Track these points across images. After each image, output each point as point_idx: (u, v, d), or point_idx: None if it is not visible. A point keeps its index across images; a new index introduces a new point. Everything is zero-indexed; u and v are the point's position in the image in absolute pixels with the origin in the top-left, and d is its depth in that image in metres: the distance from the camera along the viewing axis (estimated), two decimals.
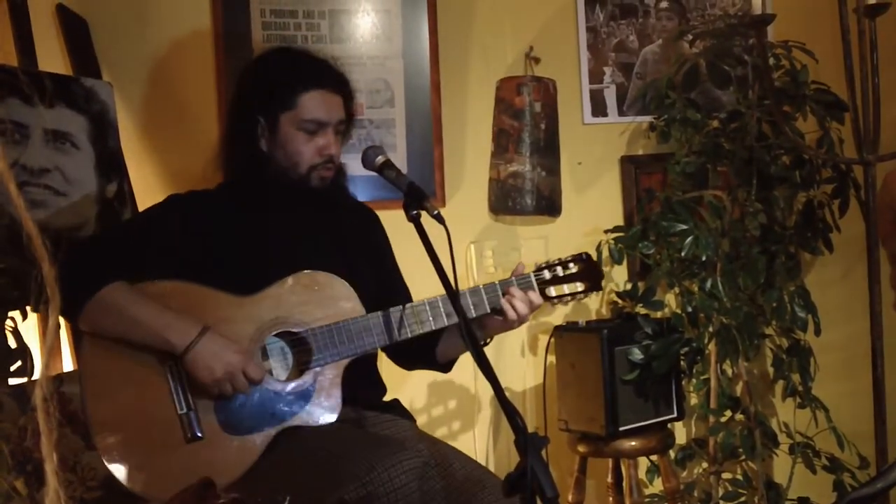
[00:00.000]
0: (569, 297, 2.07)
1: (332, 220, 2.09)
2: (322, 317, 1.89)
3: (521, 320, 1.98)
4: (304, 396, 1.87)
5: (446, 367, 2.20)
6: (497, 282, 2.00)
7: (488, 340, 2.07)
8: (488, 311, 1.98)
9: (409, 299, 2.11)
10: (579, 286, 2.08)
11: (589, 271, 2.10)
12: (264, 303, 1.87)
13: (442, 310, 1.95)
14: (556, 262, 2.08)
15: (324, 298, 1.91)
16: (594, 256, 2.78)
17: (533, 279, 2.04)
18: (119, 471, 1.74)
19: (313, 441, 1.79)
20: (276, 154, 1.97)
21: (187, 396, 1.79)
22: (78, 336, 2.30)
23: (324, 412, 1.87)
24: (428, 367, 2.20)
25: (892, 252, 2.50)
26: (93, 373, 1.79)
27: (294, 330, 1.88)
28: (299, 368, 1.88)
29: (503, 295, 1.98)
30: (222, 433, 1.80)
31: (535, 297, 2.00)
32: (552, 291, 2.05)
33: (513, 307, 1.96)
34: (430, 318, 1.94)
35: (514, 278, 2.03)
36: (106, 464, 1.74)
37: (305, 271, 1.91)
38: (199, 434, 1.78)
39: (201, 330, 1.77)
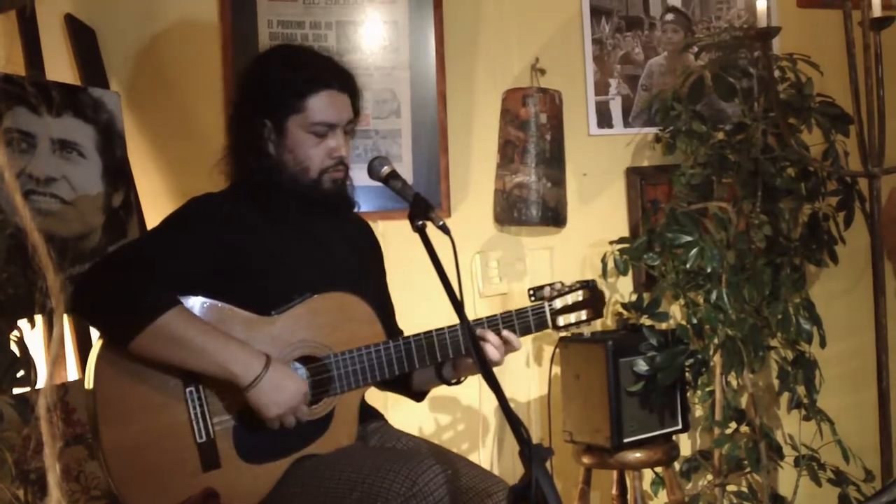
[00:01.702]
0: (574, 326, 2.03)
1: (345, 228, 2.03)
2: (344, 341, 1.83)
3: (494, 364, 1.86)
4: (323, 425, 1.82)
5: (419, 396, 2.14)
6: (485, 318, 1.93)
7: (462, 379, 2.02)
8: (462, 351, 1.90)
9: (394, 316, 2.08)
10: (584, 315, 2.03)
11: (594, 299, 2.04)
12: (287, 324, 1.79)
13: (460, 339, 1.88)
14: (566, 289, 2.02)
15: (346, 322, 1.85)
16: (599, 267, 2.80)
17: (547, 310, 1.98)
18: (130, 498, 1.67)
19: (335, 464, 1.76)
20: (284, 158, 1.88)
21: (208, 424, 1.73)
22: (84, 347, 2.32)
23: (340, 440, 1.83)
24: (401, 393, 2.14)
25: None
26: (107, 398, 1.68)
27: (316, 354, 1.82)
28: (317, 395, 1.82)
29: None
30: (239, 461, 1.75)
31: (514, 340, 1.91)
32: (560, 321, 2.01)
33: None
34: (450, 349, 1.88)
35: (498, 316, 1.94)
36: (117, 491, 1.67)
37: (330, 293, 1.84)
38: (220, 464, 1.73)
39: (266, 362, 1.70)
